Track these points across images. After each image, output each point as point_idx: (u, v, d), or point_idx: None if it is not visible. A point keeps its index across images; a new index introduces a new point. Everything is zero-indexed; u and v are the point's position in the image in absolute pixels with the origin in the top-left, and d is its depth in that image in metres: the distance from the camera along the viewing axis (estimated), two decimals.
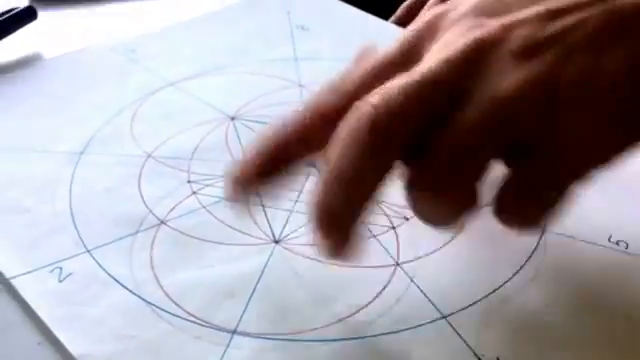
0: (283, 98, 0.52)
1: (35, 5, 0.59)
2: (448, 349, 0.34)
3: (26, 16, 0.58)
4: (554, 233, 0.40)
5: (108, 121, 0.49)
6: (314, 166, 0.43)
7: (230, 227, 0.41)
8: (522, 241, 0.39)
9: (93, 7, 0.66)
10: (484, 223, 0.40)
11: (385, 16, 0.65)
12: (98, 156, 0.46)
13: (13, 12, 0.57)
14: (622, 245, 0.39)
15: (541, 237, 0.40)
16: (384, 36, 0.60)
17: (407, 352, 0.34)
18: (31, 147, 0.47)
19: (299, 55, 0.58)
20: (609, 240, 0.40)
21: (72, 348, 0.33)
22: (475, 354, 0.33)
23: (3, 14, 0.57)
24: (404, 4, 0.66)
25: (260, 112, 0.50)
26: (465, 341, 0.34)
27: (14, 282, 0.36)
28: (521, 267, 0.38)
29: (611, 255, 0.39)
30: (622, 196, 0.43)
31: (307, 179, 0.43)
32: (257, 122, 0.49)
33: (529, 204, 0.31)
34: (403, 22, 0.64)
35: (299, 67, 0.56)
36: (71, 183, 0.44)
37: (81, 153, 0.46)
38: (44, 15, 0.60)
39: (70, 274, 0.37)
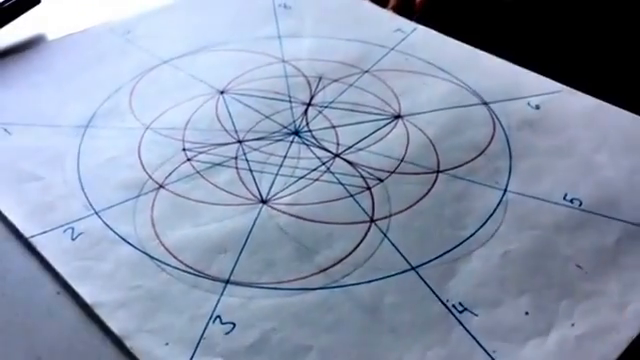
0: (268, 73, 0.55)
1: None
2: (416, 296, 0.38)
3: (30, 1, 0.61)
4: (515, 192, 0.44)
5: (109, 97, 0.52)
6: (297, 134, 0.47)
7: (222, 189, 0.44)
8: (485, 200, 0.43)
9: None
10: (451, 185, 0.44)
11: None
12: (101, 129, 0.49)
13: None
14: (576, 203, 0.43)
15: (503, 196, 0.43)
16: (363, 14, 0.64)
17: (380, 299, 0.37)
18: (41, 122, 0.50)
19: (282, 32, 0.61)
20: (564, 198, 0.43)
21: (87, 297, 0.37)
22: (440, 299, 0.37)
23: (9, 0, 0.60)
24: None
25: (247, 86, 0.53)
26: (432, 289, 0.38)
27: (33, 241, 0.40)
28: (484, 223, 0.42)
29: (566, 212, 0.43)
30: (578, 158, 0.46)
31: (290, 146, 0.47)
32: (244, 95, 0.52)
33: None
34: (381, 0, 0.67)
35: (282, 44, 0.59)
36: (78, 153, 0.47)
37: (86, 127, 0.49)
38: None
39: (81, 233, 0.41)
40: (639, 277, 0.38)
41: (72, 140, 0.48)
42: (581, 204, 0.43)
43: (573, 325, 0.36)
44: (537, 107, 0.51)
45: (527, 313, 0.37)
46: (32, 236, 0.41)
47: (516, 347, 0.35)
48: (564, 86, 0.53)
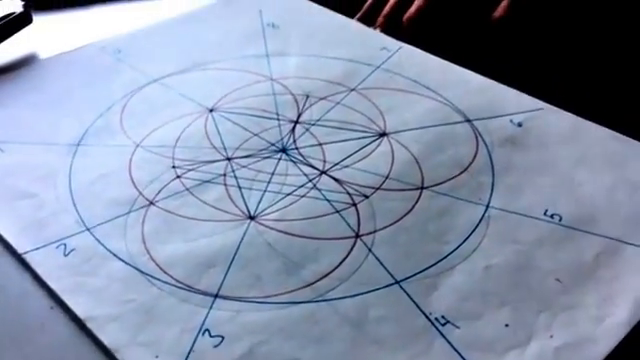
0: (256, 91, 0.56)
1: (30, 10, 0.63)
2: (400, 309, 0.38)
3: (22, 21, 0.61)
4: (497, 208, 0.45)
5: (100, 115, 0.53)
6: (285, 151, 0.48)
7: (211, 206, 0.45)
8: (468, 215, 0.44)
9: (82, 11, 0.69)
10: (435, 202, 0.45)
11: (350, 14, 0.69)
12: (93, 147, 0.50)
13: (10, 17, 0.61)
14: (556, 218, 0.44)
15: (485, 212, 0.44)
16: (349, 33, 0.65)
17: (365, 312, 0.38)
18: (34, 140, 0.51)
19: (270, 51, 0.62)
20: (545, 214, 0.44)
21: (80, 312, 0.38)
22: (423, 313, 0.38)
23: (1, 19, 0.60)
24: (368, 1, 0.70)
25: (235, 104, 0.54)
26: (415, 302, 0.39)
27: (26, 257, 0.41)
28: (466, 238, 0.43)
29: (546, 227, 0.44)
30: (558, 174, 0.48)
31: (277, 163, 0.48)
32: (233, 113, 0.53)
33: None
34: (368, 19, 0.68)
35: (270, 62, 0.60)
36: (70, 171, 0.48)
37: (78, 145, 0.50)
38: (38, 19, 0.64)
39: (73, 249, 0.42)
40: (617, 291, 0.39)
41: (64, 158, 0.49)
42: (561, 219, 0.44)
43: (552, 337, 0.37)
44: (519, 124, 0.52)
45: (507, 325, 0.38)
46: (25, 252, 0.41)
47: (496, 358, 0.36)
48: (546, 104, 0.54)
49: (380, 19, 0.67)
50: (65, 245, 0.42)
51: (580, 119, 0.53)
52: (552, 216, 0.44)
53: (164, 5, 0.70)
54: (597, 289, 0.40)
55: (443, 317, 0.38)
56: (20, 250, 0.42)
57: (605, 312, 0.38)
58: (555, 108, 0.54)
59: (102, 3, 0.71)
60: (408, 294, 0.39)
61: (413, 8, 0.66)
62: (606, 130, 0.52)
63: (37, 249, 0.42)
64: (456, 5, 0.66)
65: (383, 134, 0.51)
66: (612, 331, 0.37)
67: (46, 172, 0.48)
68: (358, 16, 0.69)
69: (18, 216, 0.44)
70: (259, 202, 0.45)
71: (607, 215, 0.44)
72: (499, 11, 0.64)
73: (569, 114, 0.53)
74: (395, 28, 0.66)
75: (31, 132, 0.52)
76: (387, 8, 0.67)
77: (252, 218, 0.44)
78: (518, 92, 0.56)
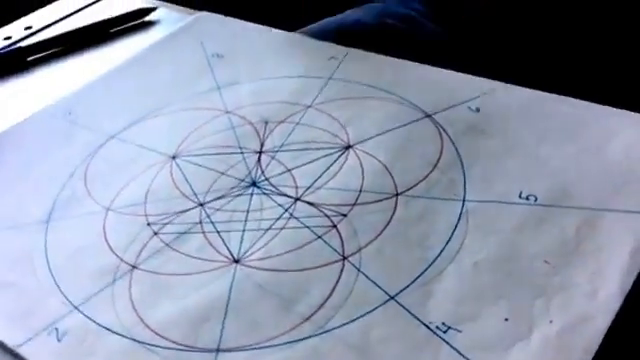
0: (214, 128, 0.56)
1: None
2: (400, 324, 0.38)
3: None
4: (473, 201, 0.45)
5: (64, 185, 0.52)
6: (255, 185, 0.48)
7: (193, 257, 0.45)
8: (447, 214, 0.44)
9: (21, 78, 0.68)
10: (412, 206, 0.45)
11: (291, 26, 0.69)
12: (63, 220, 0.49)
13: None
14: (532, 199, 0.44)
15: (462, 207, 0.45)
16: (295, 48, 0.65)
17: (367, 335, 0.38)
18: (1, 225, 0.50)
19: (220, 83, 0.61)
20: (520, 196, 0.45)
21: None
22: (423, 323, 0.38)
23: None
24: None
25: (196, 146, 0.54)
26: (414, 314, 0.39)
27: (20, 351, 0.40)
28: (450, 239, 0.43)
29: (524, 210, 0.44)
30: (524, 153, 0.48)
31: (251, 199, 0.48)
32: (196, 156, 0.53)
33: None
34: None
35: (222, 95, 0.59)
36: (45, 250, 0.47)
37: (47, 221, 0.49)
38: None
39: (66, 332, 0.41)
40: (602, 261, 0.40)
41: (36, 237, 0.48)
42: (537, 199, 0.44)
43: (551, 322, 0.37)
44: (477, 110, 0.52)
45: (507, 319, 0.38)
46: (18, 345, 0.41)
47: (503, 354, 0.36)
48: (498, 82, 0.54)
49: None
50: (57, 330, 0.41)
51: (534, 91, 0.53)
52: (527, 197, 0.45)
53: (103, 56, 0.70)
54: (585, 263, 0.40)
55: (443, 324, 0.38)
56: (12, 344, 0.41)
57: (597, 285, 0.39)
58: (508, 85, 0.54)
59: (38, 66, 0.70)
60: (405, 307, 0.39)
61: None
62: (561, 97, 0.52)
63: (29, 340, 0.41)
64: None
65: (348, 147, 0.51)
66: (607, 304, 0.38)
67: (20, 257, 0.47)
68: None
69: (1, 309, 0.43)
70: (240, 243, 0.45)
71: (580, 185, 0.45)
72: None
73: (523, 88, 0.53)
74: None
75: None
76: None
77: (237, 262, 0.44)
78: (469, 76, 0.56)
